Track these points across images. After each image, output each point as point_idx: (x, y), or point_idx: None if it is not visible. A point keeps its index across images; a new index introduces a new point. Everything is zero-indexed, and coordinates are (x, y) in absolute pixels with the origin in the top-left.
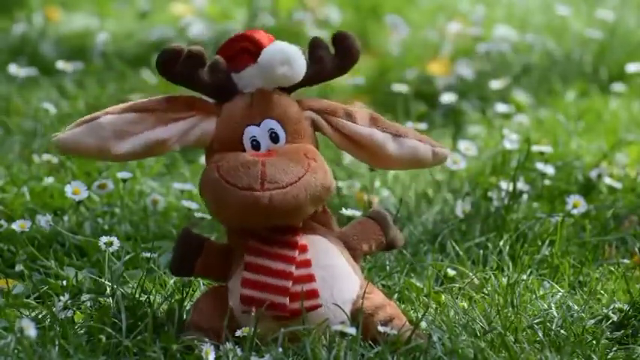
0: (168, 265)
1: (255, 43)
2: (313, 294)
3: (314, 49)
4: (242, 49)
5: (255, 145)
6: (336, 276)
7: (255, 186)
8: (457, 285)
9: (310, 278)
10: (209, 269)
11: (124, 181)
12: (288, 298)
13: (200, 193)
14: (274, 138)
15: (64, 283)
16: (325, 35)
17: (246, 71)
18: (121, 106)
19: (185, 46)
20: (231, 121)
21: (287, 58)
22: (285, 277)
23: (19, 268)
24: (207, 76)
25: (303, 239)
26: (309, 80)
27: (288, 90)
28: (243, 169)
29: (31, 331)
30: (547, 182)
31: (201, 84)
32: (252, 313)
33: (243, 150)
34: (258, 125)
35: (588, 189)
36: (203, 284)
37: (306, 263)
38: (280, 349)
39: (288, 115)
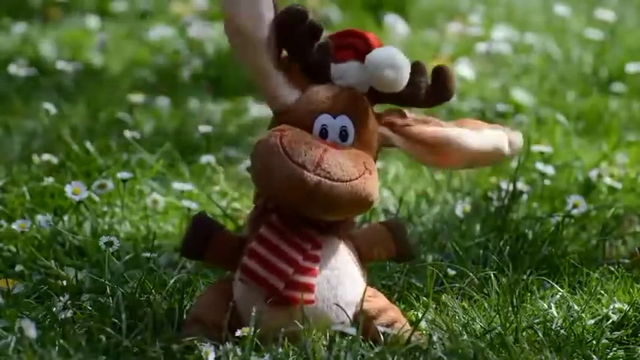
0: (179, 246)
1: (366, 42)
2: (309, 288)
3: (414, 72)
4: (350, 44)
5: (323, 134)
6: (342, 278)
7: (308, 166)
8: (457, 285)
9: (312, 273)
10: (219, 255)
11: (124, 181)
12: (284, 284)
13: (252, 154)
14: (343, 136)
15: (64, 283)
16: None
17: (345, 65)
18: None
19: (309, 14)
20: (312, 101)
21: (396, 63)
22: (289, 263)
23: (19, 268)
24: (315, 53)
25: (320, 237)
26: (399, 99)
27: (374, 100)
28: (306, 146)
29: (31, 331)
30: (547, 182)
31: (306, 57)
32: (253, 313)
33: (311, 133)
34: (334, 117)
35: (588, 189)
36: (203, 284)
37: (315, 259)
38: (280, 349)
39: (365, 120)
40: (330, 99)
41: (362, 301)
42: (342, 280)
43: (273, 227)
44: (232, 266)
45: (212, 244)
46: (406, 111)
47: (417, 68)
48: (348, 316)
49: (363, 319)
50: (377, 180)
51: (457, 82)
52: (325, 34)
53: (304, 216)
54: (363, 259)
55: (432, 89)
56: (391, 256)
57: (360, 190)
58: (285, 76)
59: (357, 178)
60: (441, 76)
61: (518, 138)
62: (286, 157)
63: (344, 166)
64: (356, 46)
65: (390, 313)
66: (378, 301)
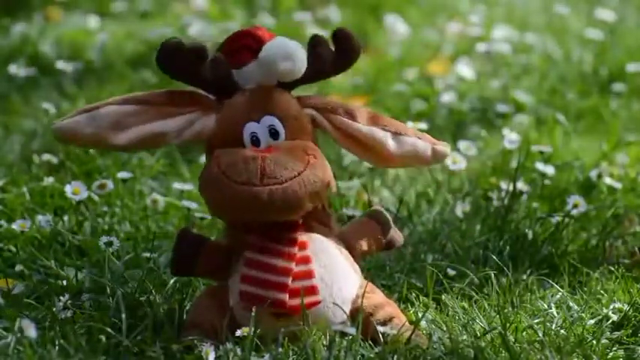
0: (169, 265)
1: (257, 39)
2: (312, 290)
3: (314, 46)
4: (243, 46)
5: (255, 141)
6: (335, 275)
7: (254, 181)
8: (457, 285)
9: (310, 275)
10: (209, 269)
11: (124, 181)
12: (287, 295)
13: (200, 189)
14: (274, 134)
15: (64, 283)
16: (325, 35)
17: (246, 68)
18: (123, 97)
19: (186, 41)
20: (231, 117)
21: (288, 53)
22: (285, 274)
23: (19, 268)
24: (208, 72)
25: (303, 236)
26: (309, 77)
27: (288, 87)
28: (243, 164)
29: (31, 331)
30: (547, 182)
31: (201, 80)
32: (253, 312)
33: (243, 146)
34: (258, 122)
35: (588, 189)
36: (203, 284)
37: (306, 260)
38: (280, 349)
39: (287, 111)
40: (246, 106)
41: (362, 297)
42: (335, 277)
43: (255, 247)
44: (224, 275)
45: (201, 260)
46: (328, 98)
47: (315, 41)
48: (345, 313)
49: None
50: (324, 160)
51: (457, 82)
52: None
53: (277, 223)
54: (355, 254)
55: (338, 55)
56: (381, 247)
57: (311, 178)
58: (196, 107)
59: (304, 170)
60: (342, 38)
61: (443, 149)
62: (230, 181)
63: (287, 165)
64: (249, 45)
65: (387, 309)
66: (374, 297)
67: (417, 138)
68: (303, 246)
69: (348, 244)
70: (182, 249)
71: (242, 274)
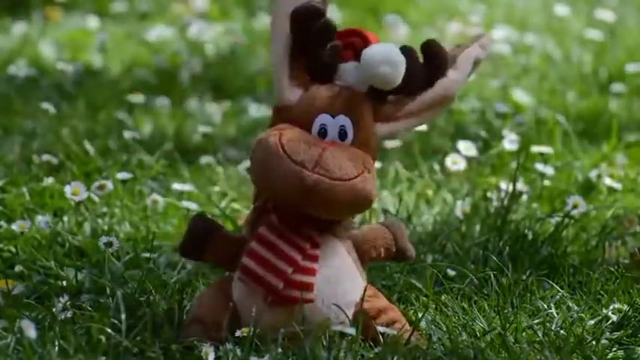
0: (178, 247)
1: (364, 40)
2: (309, 287)
3: (407, 58)
4: (348, 44)
5: (322, 133)
6: (342, 277)
7: (307, 165)
8: (457, 285)
9: (312, 272)
10: (218, 255)
11: (124, 181)
12: (282, 283)
13: (252, 151)
14: (342, 135)
15: (64, 283)
16: None
17: (344, 65)
18: None
19: (325, 12)
20: (312, 101)
21: (390, 58)
22: (289, 262)
23: (18, 268)
24: (327, 55)
25: (319, 237)
26: (399, 90)
27: (377, 99)
28: (305, 145)
29: (31, 331)
30: (547, 183)
31: (317, 57)
32: (253, 312)
33: (310, 132)
34: (333, 117)
35: (588, 189)
36: (203, 284)
37: (314, 258)
38: (280, 350)
39: (364, 122)
40: (329, 99)
41: (362, 300)
42: (341, 280)
43: (272, 227)
44: (231, 266)
45: (211, 245)
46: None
47: (406, 54)
48: (347, 315)
49: (363, 319)
50: (375, 180)
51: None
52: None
53: (303, 215)
54: (363, 259)
55: (427, 68)
56: (391, 256)
57: (359, 189)
58: (292, 73)
59: (355, 177)
60: (431, 51)
61: (486, 39)
62: (285, 155)
63: (343, 165)
64: (355, 45)
65: (389, 314)
66: (377, 301)
67: (463, 51)
68: (315, 245)
69: (359, 248)
70: (194, 231)
71: (250, 247)
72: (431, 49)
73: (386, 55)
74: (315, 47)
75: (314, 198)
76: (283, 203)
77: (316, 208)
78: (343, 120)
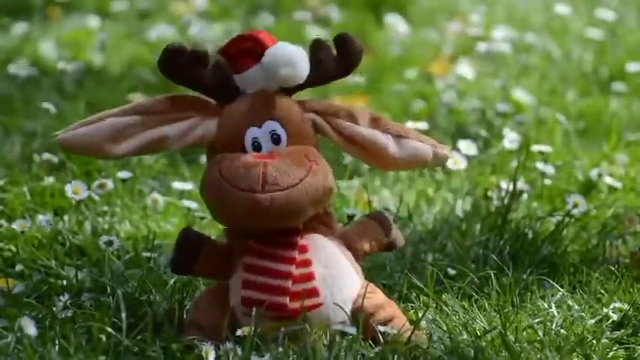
0: (169, 263)
1: (259, 43)
2: (314, 292)
3: (316, 50)
4: (245, 50)
5: (257, 147)
6: (337, 275)
7: (256, 188)
8: (457, 284)
9: (310, 277)
10: (209, 269)
11: (124, 180)
12: (288, 298)
13: (201, 193)
14: (276, 139)
15: (65, 282)
16: (325, 34)
17: (248, 72)
18: (123, 108)
19: (188, 45)
20: (232, 122)
21: (290, 59)
22: (285, 277)
23: (19, 267)
24: (210, 77)
25: (303, 239)
26: (311, 82)
27: (290, 91)
28: (245, 170)
29: (31, 330)
30: (547, 182)
31: (203, 84)
32: (253, 312)
33: (245, 151)
34: (260, 127)
35: (588, 188)
36: (203, 284)
37: (306, 263)
38: (280, 349)
39: (289, 116)
40: (247, 111)
41: (363, 297)
42: (336, 278)
43: (254, 252)
44: (224, 275)
45: (200, 259)
46: (330, 102)
47: (317, 45)
48: (346, 313)
49: (363, 318)
50: (325, 166)
51: (457, 82)
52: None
53: (277, 229)
54: (356, 254)
55: (340, 59)
56: (382, 247)
57: (314, 184)
58: (196, 113)
59: (305, 177)
60: (344, 43)
61: (444, 152)
62: (232, 187)
63: (289, 171)
64: (251, 49)
65: (387, 310)
66: (375, 297)
67: (418, 141)
68: (303, 249)
69: (349, 244)
70: (183, 248)
71: (243, 279)
72: (345, 41)
73: (285, 55)
74: (195, 76)
75: (276, 215)
76: (250, 229)
77: (283, 222)
78: (271, 125)
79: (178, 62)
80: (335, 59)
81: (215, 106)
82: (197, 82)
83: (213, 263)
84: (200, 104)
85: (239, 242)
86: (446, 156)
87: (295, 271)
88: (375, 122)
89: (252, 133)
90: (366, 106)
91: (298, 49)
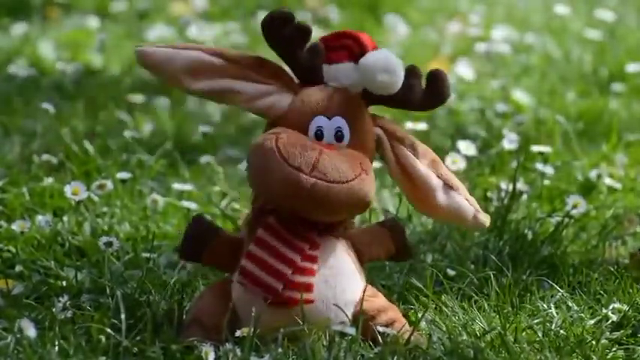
0: (177, 249)
1: (360, 43)
2: (308, 288)
3: (409, 75)
4: (343, 45)
5: (319, 135)
6: (341, 277)
7: (304, 169)
8: (457, 285)
9: (310, 272)
10: (217, 258)
11: (124, 181)
12: (282, 285)
13: (248, 155)
14: (339, 137)
15: (64, 283)
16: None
17: (338, 66)
18: (215, 49)
19: (295, 17)
20: (306, 104)
21: (390, 67)
22: (287, 264)
23: (18, 268)
24: (304, 56)
25: (319, 237)
26: (392, 101)
27: (369, 101)
28: (301, 149)
29: (31, 331)
30: (547, 182)
31: (296, 59)
32: (253, 312)
33: (306, 135)
34: (329, 119)
35: (588, 189)
36: (203, 284)
37: (313, 259)
38: (280, 349)
39: (360, 122)
40: (324, 101)
41: (362, 300)
42: (340, 280)
43: (270, 229)
44: (230, 268)
45: (210, 247)
46: (400, 128)
47: (412, 71)
48: (347, 315)
49: (362, 319)
50: (373, 180)
51: (456, 83)
52: (320, 35)
53: (302, 217)
54: (362, 259)
55: (427, 93)
56: (390, 256)
57: (357, 191)
58: (276, 82)
59: (353, 179)
60: (436, 80)
61: (484, 220)
62: (282, 160)
63: (340, 168)
64: (349, 47)
65: (389, 313)
66: (377, 300)
67: (464, 199)
68: (315, 246)
69: (357, 248)
70: (193, 233)
71: (249, 250)
72: (437, 78)
73: (387, 62)
74: (292, 51)
75: (312, 201)
76: (282, 206)
77: (314, 211)
78: (339, 121)
79: (282, 30)
80: (422, 91)
81: (295, 83)
82: (292, 55)
83: (221, 254)
84: (282, 75)
85: (260, 220)
86: (484, 224)
87: (300, 262)
88: (433, 164)
89: (319, 121)
90: (429, 148)
91: (400, 61)
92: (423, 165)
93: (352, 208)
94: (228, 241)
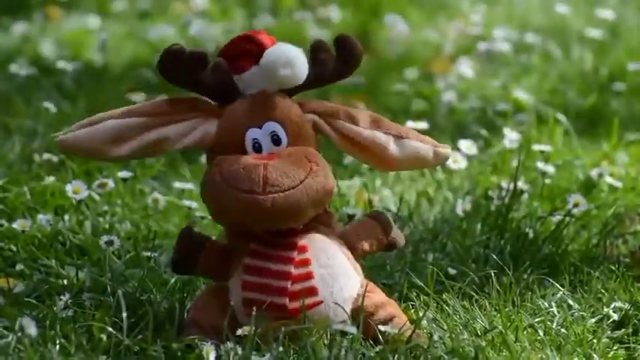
0: (169, 263)
1: (258, 44)
2: (313, 291)
3: (316, 51)
4: (244, 51)
5: (257, 148)
6: (336, 274)
7: (256, 189)
8: (458, 284)
9: (309, 276)
10: (210, 268)
11: (125, 180)
12: (287, 299)
13: (201, 195)
14: (276, 140)
15: (65, 282)
16: (325, 35)
17: (248, 73)
18: (123, 110)
19: (186, 48)
20: (232, 122)
21: (289, 60)
22: (284, 278)
23: (19, 267)
24: (210, 78)
25: (303, 239)
26: (310, 83)
27: (290, 92)
28: (245, 171)
29: (32, 330)
30: (548, 181)
31: (203, 86)
32: (253, 312)
33: (245, 152)
34: (260, 127)
35: (589, 188)
36: (204, 283)
37: (305, 262)
38: (281, 348)
39: (289, 117)
40: (248, 111)
41: (362, 297)
42: (336, 277)
43: (253, 253)
44: (223, 277)
45: (201, 259)
46: (328, 103)
47: (318, 46)
48: (346, 312)
49: (363, 317)
50: (326, 167)
51: (457, 82)
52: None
53: (277, 230)
54: (356, 254)
55: (339, 61)
56: (382, 247)
57: (314, 186)
58: (197, 113)
59: (306, 178)
60: (344, 44)
61: (444, 151)
62: (232, 189)
63: (289, 172)
64: (250, 50)
65: (388, 309)
66: (375, 296)
67: (418, 141)
68: (302, 249)
69: (349, 243)
70: (183, 248)
71: (242, 280)
72: (345, 43)
73: (283, 56)
74: (195, 77)
75: (276, 216)
76: (251, 230)
77: (284, 223)
78: (272, 126)
79: (178, 64)
80: (335, 60)
81: (215, 107)
82: (197, 83)
83: (213, 264)
84: (200, 106)
85: (239, 243)
86: (446, 155)
87: (294, 271)
88: (375, 123)
89: (252, 133)
90: (366, 108)
91: (297, 49)
92: (365, 129)
93: (317, 204)
94: (218, 251)
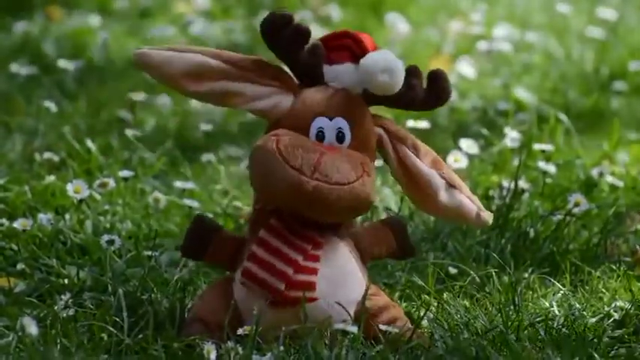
0: (179, 248)
1: (359, 44)
2: (311, 286)
3: (410, 75)
4: (343, 45)
5: (320, 137)
6: (343, 276)
7: (305, 171)
8: (459, 283)
9: (312, 271)
10: (219, 256)
11: (126, 179)
12: (284, 284)
13: (250, 159)
14: (340, 138)
15: (66, 281)
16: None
17: (339, 67)
18: (212, 50)
19: (295, 18)
20: (307, 105)
21: (390, 67)
22: (289, 264)
23: (20, 266)
24: (305, 57)
25: (321, 237)
26: (394, 102)
27: (369, 101)
28: (302, 150)
29: (33, 329)
30: (548, 180)
31: (296, 60)
32: (254, 310)
33: (307, 137)
34: (330, 119)
35: (590, 187)
36: (205, 282)
37: (315, 258)
38: (282, 348)
39: (361, 122)
40: (325, 101)
41: (364, 298)
42: (343, 279)
43: (272, 230)
44: (232, 266)
45: (212, 245)
46: (401, 127)
47: (412, 71)
48: (349, 314)
49: (364, 317)
50: (375, 182)
51: (458, 81)
52: (322, 34)
53: (304, 217)
54: (365, 257)
55: (428, 92)
56: (392, 254)
57: (358, 192)
58: (276, 84)
59: (355, 181)
60: (437, 79)
61: (486, 218)
62: (284, 162)
63: (341, 170)
64: (350, 47)
65: (391, 311)
66: (379, 299)
67: (467, 198)
68: (317, 245)
69: (359, 247)
70: (195, 233)
71: (251, 250)
72: (438, 77)
73: (387, 62)
74: (292, 51)
75: (314, 203)
76: (284, 208)
77: (316, 213)
78: (340, 122)
79: (282, 31)
80: (424, 91)
81: (295, 84)
82: (291, 56)
83: (223, 252)
84: (282, 76)
85: (262, 220)
86: (487, 222)
87: (302, 262)
88: (434, 163)
89: (320, 122)
90: (431, 148)
91: (399, 60)
92: (425, 164)
93: (354, 210)
94: (229, 240)
